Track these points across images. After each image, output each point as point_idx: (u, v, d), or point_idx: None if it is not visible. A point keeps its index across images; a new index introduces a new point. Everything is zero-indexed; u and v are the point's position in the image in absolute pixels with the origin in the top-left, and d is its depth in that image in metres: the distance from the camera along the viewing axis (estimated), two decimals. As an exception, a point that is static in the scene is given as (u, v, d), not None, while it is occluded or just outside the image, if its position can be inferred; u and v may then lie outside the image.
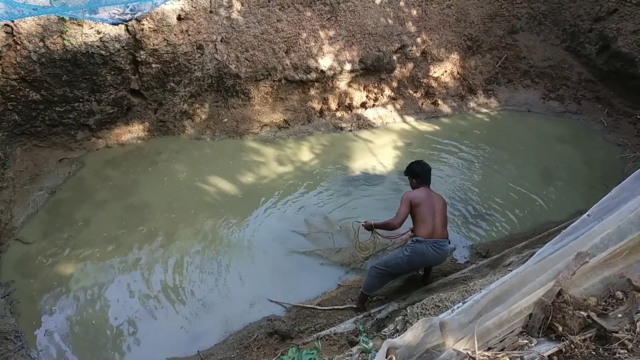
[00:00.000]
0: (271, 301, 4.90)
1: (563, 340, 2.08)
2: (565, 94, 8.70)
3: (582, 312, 2.14)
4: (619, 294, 2.27)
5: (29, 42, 5.57)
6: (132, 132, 6.86)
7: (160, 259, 5.24)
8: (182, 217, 5.78)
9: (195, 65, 6.76)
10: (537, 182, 6.80)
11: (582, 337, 2.08)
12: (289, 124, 7.58)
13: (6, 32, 5.43)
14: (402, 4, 8.21)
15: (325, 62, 7.58)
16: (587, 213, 2.64)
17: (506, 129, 8.10)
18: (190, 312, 4.74)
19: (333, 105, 7.93)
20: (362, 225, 4.91)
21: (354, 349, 2.80)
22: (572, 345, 2.05)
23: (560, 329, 2.12)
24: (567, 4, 8.85)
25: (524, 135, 7.88)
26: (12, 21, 5.39)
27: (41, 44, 5.63)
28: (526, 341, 2.10)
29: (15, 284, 4.83)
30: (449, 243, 4.58)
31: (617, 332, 2.05)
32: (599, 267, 2.32)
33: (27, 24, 5.51)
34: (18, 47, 5.56)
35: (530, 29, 9.14)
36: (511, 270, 2.94)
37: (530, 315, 2.19)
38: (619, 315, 2.15)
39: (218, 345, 4.48)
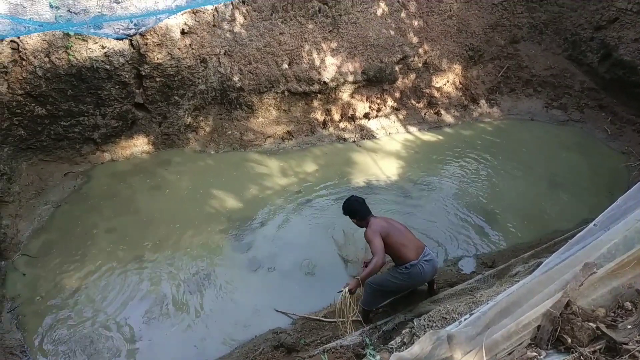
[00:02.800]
0: (277, 311, 4.89)
1: (572, 352, 2.07)
2: (568, 102, 8.69)
3: (591, 324, 2.12)
4: (628, 305, 2.25)
5: (35, 57, 5.63)
6: (137, 146, 6.89)
7: (166, 272, 5.24)
8: (187, 230, 5.78)
9: (199, 78, 6.80)
10: (542, 190, 6.78)
11: (592, 349, 2.07)
12: (292, 136, 7.61)
13: (12, 48, 5.50)
14: (403, 15, 8.26)
15: (327, 74, 7.62)
16: (593, 222, 2.63)
17: (510, 138, 8.10)
18: (195, 325, 4.73)
19: (336, 117, 7.96)
20: (349, 289, 4.18)
21: (361, 362, 2.78)
22: (582, 357, 2.03)
23: (569, 340, 2.10)
24: (568, 13, 8.87)
25: (527, 145, 7.87)
26: (18, 37, 5.45)
27: (46, 59, 5.68)
28: (535, 354, 2.09)
29: (21, 298, 4.84)
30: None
31: (627, 344, 2.03)
32: (607, 278, 2.31)
33: (33, 40, 5.57)
34: (24, 63, 5.61)
35: (531, 38, 9.17)
36: (518, 281, 2.93)
37: (539, 327, 2.18)
38: (629, 326, 2.13)
39: (223, 358, 4.46)
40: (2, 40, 5.36)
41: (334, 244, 5.72)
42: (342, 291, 4.23)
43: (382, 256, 4.07)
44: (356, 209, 4.42)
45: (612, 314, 2.23)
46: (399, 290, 4.55)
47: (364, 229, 4.36)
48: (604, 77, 8.48)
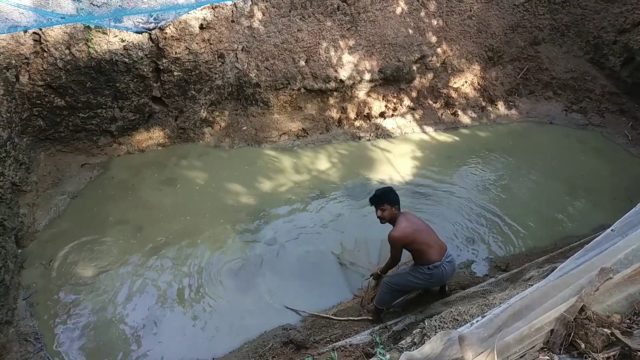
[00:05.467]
0: (287, 308, 4.90)
1: (586, 358, 2.04)
2: (588, 106, 8.56)
3: (606, 330, 2.09)
4: (645, 312, 2.21)
5: (56, 49, 5.70)
6: (153, 139, 6.95)
7: (177, 265, 5.27)
8: (198, 223, 5.82)
9: (216, 73, 6.83)
10: (559, 195, 6.69)
11: (606, 355, 2.03)
12: (307, 133, 7.61)
13: (34, 40, 5.57)
14: (422, 14, 8.21)
15: (344, 72, 7.60)
16: (610, 228, 2.59)
17: (527, 140, 8.00)
18: (205, 319, 4.75)
19: (352, 115, 7.94)
20: (372, 278, 4.90)
21: (370, 361, 2.77)
22: (595, 364, 2.00)
23: (583, 346, 2.07)
24: (591, 16, 8.73)
25: (545, 148, 7.77)
26: (40, 29, 5.53)
27: (67, 51, 5.75)
28: (547, 357, 2.06)
29: (36, 286, 4.91)
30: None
31: (642, 351, 1.99)
32: (623, 284, 2.27)
33: (54, 32, 5.64)
34: (45, 55, 5.69)
35: (552, 40, 9.04)
36: (532, 285, 2.89)
37: (552, 331, 2.15)
38: (645, 333, 2.09)
39: (233, 352, 4.48)
40: (25, 31, 5.44)
41: (341, 250, 5.65)
42: (368, 279, 5.01)
43: (397, 264, 4.44)
44: (393, 198, 4.26)
45: (628, 321, 2.19)
46: (415, 289, 4.56)
47: (381, 228, 4.40)
48: (626, 81, 8.33)
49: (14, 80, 5.58)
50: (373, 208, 4.38)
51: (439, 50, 8.31)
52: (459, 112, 8.41)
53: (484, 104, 8.62)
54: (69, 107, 6.13)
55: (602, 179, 7.06)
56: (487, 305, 3.45)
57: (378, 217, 4.34)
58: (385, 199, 4.28)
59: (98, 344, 4.46)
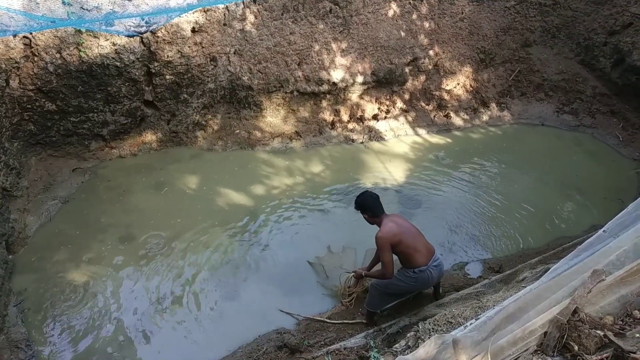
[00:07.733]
0: (282, 311, 4.88)
1: (579, 360, 2.04)
2: (579, 107, 8.62)
3: (599, 331, 2.09)
4: (637, 313, 2.22)
5: (46, 53, 5.66)
6: (145, 143, 6.91)
7: (170, 270, 5.24)
8: (190, 227, 5.79)
9: (208, 77, 6.81)
10: (551, 196, 6.72)
11: (599, 357, 2.04)
12: (300, 136, 7.60)
13: (24, 44, 5.53)
14: (414, 17, 8.23)
15: (337, 75, 7.61)
16: (602, 229, 2.60)
17: (519, 142, 8.04)
18: (199, 324, 4.73)
19: (345, 117, 7.94)
20: (353, 276, 4.88)
21: (364, 365, 2.76)
22: (588, 365, 2.00)
23: (576, 348, 2.07)
24: (582, 18, 8.80)
25: (537, 149, 7.81)
26: (31, 33, 5.49)
27: (58, 55, 5.72)
28: (541, 360, 2.06)
29: (27, 292, 4.87)
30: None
31: (635, 353, 2.00)
32: (616, 285, 2.28)
33: (45, 36, 5.60)
34: (35, 59, 5.65)
35: (544, 42, 9.10)
36: (525, 287, 2.90)
37: (545, 333, 2.15)
38: (637, 335, 2.10)
39: (227, 357, 4.46)
40: (15, 35, 5.40)
41: (325, 253, 5.62)
42: (348, 273, 4.93)
43: (391, 271, 4.18)
44: (369, 205, 4.33)
45: (620, 322, 2.20)
46: (404, 293, 4.54)
47: (371, 229, 4.34)
48: (616, 82, 8.40)
49: (4, 84, 5.54)
50: None
51: (431, 52, 8.34)
52: (452, 114, 8.44)
53: (476, 105, 8.66)
54: (60, 112, 6.09)
55: (594, 180, 7.11)
56: (480, 307, 3.46)
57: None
58: (358, 206, 4.41)
59: (90, 351, 4.42)
